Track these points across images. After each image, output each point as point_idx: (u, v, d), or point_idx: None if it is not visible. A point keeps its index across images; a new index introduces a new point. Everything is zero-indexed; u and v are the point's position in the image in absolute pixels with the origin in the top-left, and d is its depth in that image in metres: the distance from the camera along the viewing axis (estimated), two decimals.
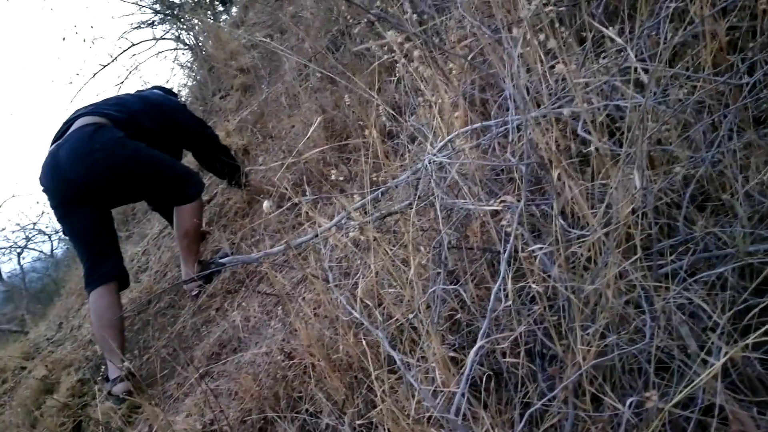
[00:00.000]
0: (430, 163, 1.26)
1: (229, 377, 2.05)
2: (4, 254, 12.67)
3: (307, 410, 1.60)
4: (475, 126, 1.27)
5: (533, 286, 1.01)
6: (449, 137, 1.27)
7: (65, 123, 2.86)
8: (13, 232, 12.55)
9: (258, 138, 3.93)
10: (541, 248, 1.00)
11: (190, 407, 2.07)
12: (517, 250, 1.07)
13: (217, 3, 8.24)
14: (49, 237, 12.72)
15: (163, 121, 3.11)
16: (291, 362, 1.76)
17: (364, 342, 1.39)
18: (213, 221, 3.70)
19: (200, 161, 3.56)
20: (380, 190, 1.61)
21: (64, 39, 7.23)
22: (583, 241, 0.97)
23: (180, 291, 3.26)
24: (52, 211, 2.86)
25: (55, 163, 2.70)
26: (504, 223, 1.05)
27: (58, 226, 2.97)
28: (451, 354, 1.21)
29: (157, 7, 7.00)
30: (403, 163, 1.87)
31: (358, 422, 1.41)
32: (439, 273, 1.31)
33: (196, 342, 2.66)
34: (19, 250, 12.76)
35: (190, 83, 6.62)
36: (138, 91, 3.59)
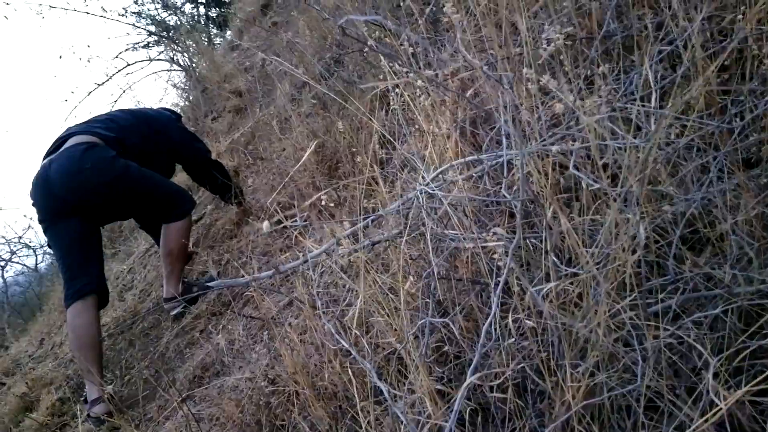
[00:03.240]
0: (421, 193, 1.26)
1: (211, 402, 2.01)
2: None
3: None
4: (468, 159, 1.27)
5: (527, 321, 1.00)
6: (442, 168, 1.27)
7: (57, 140, 2.89)
8: None
9: (248, 160, 3.93)
10: (532, 282, 1.00)
11: (170, 431, 2.03)
12: (508, 283, 1.07)
13: (212, 26, 8.29)
14: (34, 251, 12.51)
15: (149, 135, 3.13)
16: (275, 389, 1.73)
17: (350, 371, 1.37)
18: (200, 241, 3.68)
19: (192, 176, 3.57)
20: (370, 218, 1.61)
21: (60, 57, 7.29)
22: (575, 278, 0.97)
23: (164, 311, 3.22)
24: (38, 226, 2.86)
25: (46, 177, 2.72)
26: (495, 256, 1.05)
27: (44, 240, 2.94)
28: (438, 387, 1.20)
29: (152, 28, 7.05)
30: (393, 191, 1.87)
31: None
32: (427, 303, 1.30)
33: (179, 364, 2.62)
34: (2, 263, 12.55)
35: (182, 104, 6.63)
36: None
